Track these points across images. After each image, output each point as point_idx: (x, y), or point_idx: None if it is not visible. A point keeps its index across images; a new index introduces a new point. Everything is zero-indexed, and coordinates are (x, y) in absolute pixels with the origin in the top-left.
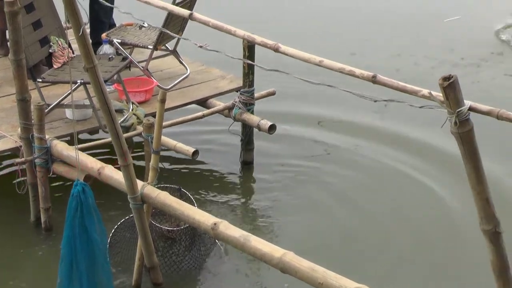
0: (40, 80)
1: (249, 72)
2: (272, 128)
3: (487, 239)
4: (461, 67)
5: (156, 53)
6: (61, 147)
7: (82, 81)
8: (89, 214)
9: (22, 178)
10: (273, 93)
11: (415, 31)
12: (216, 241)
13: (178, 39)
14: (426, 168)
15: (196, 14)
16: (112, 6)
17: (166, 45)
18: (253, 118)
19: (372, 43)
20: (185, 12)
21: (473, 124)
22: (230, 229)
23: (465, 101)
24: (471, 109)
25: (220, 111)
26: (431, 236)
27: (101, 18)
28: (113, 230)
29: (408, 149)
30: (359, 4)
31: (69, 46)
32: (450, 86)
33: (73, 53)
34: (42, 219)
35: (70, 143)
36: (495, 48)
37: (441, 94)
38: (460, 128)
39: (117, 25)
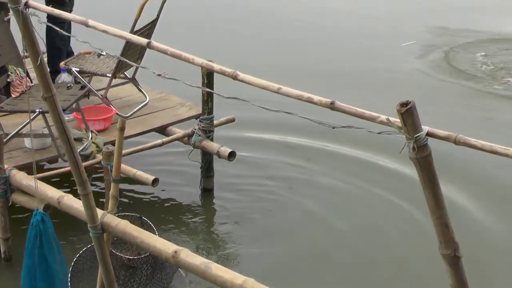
0: None
1: (208, 99)
2: (231, 155)
3: (446, 263)
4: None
5: (115, 81)
6: (20, 177)
7: (40, 110)
8: (49, 243)
9: None
10: (232, 120)
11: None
12: (179, 268)
13: (137, 67)
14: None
15: (154, 43)
16: (69, 35)
17: (125, 73)
18: (212, 145)
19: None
20: (143, 40)
21: (431, 149)
22: (190, 257)
23: (422, 126)
24: (428, 134)
25: (179, 139)
26: (406, 254)
27: (59, 46)
28: (74, 259)
29: (368, 172)
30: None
31: (27, 75)
32: (407, 112)
33: (31, 82)
34: (2, 250)
35: (30, 172)
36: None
37: (399, 120)
38: (418, 154)
39: (75, 53)
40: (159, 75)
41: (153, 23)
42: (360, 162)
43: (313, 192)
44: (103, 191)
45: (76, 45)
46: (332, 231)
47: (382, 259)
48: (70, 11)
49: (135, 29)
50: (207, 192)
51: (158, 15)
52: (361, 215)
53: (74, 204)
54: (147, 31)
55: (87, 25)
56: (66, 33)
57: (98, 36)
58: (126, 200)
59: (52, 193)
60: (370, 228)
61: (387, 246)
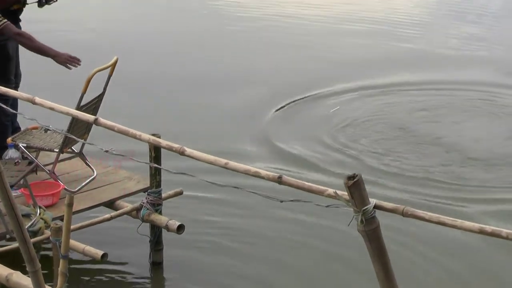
0: None
1: (156, 173)
2: (180, 228)
3: None
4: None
5: (62, 155)
6: None
7: None
8: None
9: None
10: (180, 193)
11: None
12: None
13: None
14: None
15: (101, 120)
16: (14, 112)
17: (72, 147)
18: (161, 219)
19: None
20: (90, 117)
21: (379, 221)
22: None
23: (370, 199)
24: (376, 207)
25: (128, 213)
26: None
27: (4, 122)
28: None
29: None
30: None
31: None
32: (354, 185)
33: None
34: None
35: None
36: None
37: (346, 193)
38: (366, 227)
39: (22, 129)
40: (107, 151)
41: (100, 97)
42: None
43: (264, 264)
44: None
45: (23, 121)
46: None
47: None
48: (16, 86)
49: (81, 104)
50: (156, 265)
51: (104, 89)
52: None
53: (22, 281)
54: (94, 105)
55: (33, 103)
56: (13, 111)
57: (46, 110)
58: (75, 276)
59: (0, 270)
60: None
61: None
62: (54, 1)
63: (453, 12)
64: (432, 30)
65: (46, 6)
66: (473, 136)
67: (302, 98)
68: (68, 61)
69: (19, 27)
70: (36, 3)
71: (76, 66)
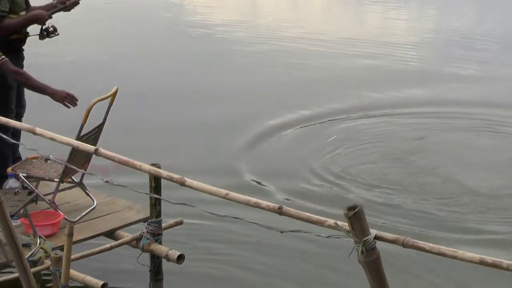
0: None
1: (156, 203)
2: (180, 258)
3: None
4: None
5: (63, 185)
6: None
7: None
8: None
9: None
10: (180, 223)
11: None
12: None
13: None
14: None
15: (102, 150)
16: (15, 142)
17: (72, 177)
18: (161, 249)
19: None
20: (90, 147)
21: (379, 252)
22: None
23: (370, 230)
24: (377, 237)
25: (128, 242)
26: None
27: (4, 151)
28: None
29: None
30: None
31: None
32: (355, 216)
33: None
34: None
35: None
36: None
37: (347, 224)
38: (367, 257)
39: (23, 158)
40: (107, 181)
41: (100, 127)
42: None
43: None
44: None
45: (24, 150)
46: None
47: None
48: (21, 116)
49: (82, 133)
50: None
51: (104, 119)
52: None
53: None
54: (94, 135)
55: (34, 133)
56: (15, 141)
57: (46, 140)
58: None
59: None
60: None
61: None
62: (56, 35)
63: (455, 38)
64: (431, 55)
65: (47, 39)
66: (472, 165)
67: (298, 123)
68: (65, 99)
69: (22, 58)
70: (38, 36)
71: (74, 106)
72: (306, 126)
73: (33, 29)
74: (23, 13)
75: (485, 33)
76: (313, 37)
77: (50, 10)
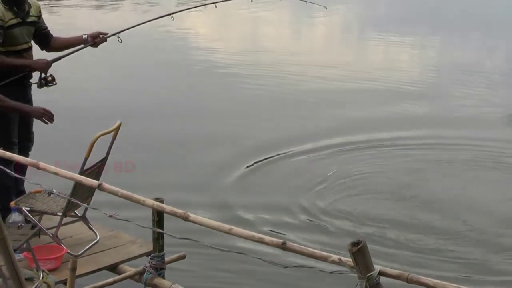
0: None
1: (158, 237)
2: None
3: None
4: None
5: (66, 219)
6: None
7: None
8: None
9: None
10: (183, 257)
11: None
12: None
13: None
14: None
15: (105, 185)
16: (18, 176)
17: (75, 211)
18: (164, 283)
19: None
20: (93, 182)
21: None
22: None
23: (374, 265)
24: (381, 273)
25: (130, 277)
26: None
27: (8, 184)
28: None
29: None
30: None
31: None
32: (359, 252)
33: None
34: None
35: None
36: None
37: (350, 259)
38: None
39: (26, 191)
40: (111, 216)
41: (103, 161)
42: None
43: None
44: None
45: (27, 184)
46: None
47: None
48: (28, 150)
49: (85, 167)
50: None
51: (107, 154)
52: None
53: None
54: (97, 169)
55: (38, 168)
56: (19, 176)
57: (49, 174)
58: None
59: None
60: None
61: None
62: (54, 84)
63: (457, 73)
64: (432, 90)
65: (45, 88)
66: (472, 199)
67: (289, 153)
68: (43, 115)
69: (27, 92)
70: (36, 84)
71: (51, 122)
72: (303, 157)
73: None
74: (23, 46)
75: (488, 69)
76: (315, 73)
77: (78, 44)
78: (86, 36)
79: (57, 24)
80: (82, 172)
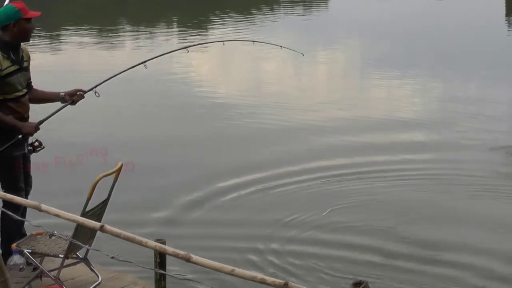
0: None
1: (161, 278)
2: None
3: None
4: None
5: (67, 261)
6: None
7: None
8: None
9: None
10: None
11: None
12: None
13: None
14: None
15: (107, 227)
16: (22, 219)
17: (77, 252)
18: None
19: None
20: (95, 224)
21: None
22: None
23: None
24: None
25: None
26: None
27: (11, 228)
28: None
29: None
30: None
31: None
32: None
33: None
34: None
35: None
36: None
37: None
38: None
39: (27, 234)
40: (113, 257)
41: (105, 203)
42: None
43: None
44: None
45: (29, 226)
46: None
47: None
48: (27, 193)
49: (87, 209)
50: None
51: (109, 195)
52: None
53: None
54: (99, 210)
55: (40, 210)
56: (21, 218)
57: (50, 217)
58: None
59: None
60: None
61: None
62: (42, 148)
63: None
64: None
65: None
66: (477, 234)
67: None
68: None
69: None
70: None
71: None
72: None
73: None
74: (20, 93)
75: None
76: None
77: (54, 100)
78: (63, 93)
79: (61, 64)
80: (84, 214)
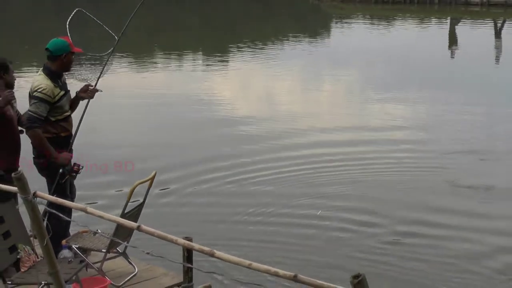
0: (10, 282)
1: (188, 270)
2: None
3: None
4: None
5: (109, 255)
6: None
7: (46, 282)
8: None
9: None
10: (209, 287)
11: None
12: None
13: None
14: None
15: (143, 227)
16: (69, 219)
17: (117, 248)
18: None
19: None
20: (133, 225)
21: None
22: None
23: None
24: None
25: None
26: None
27: (59, 232)
28: None
29: None
30: None
31: (34, 252)
32: (359, 284)
33: (37, 257)
34: None
35: None
36: None
37: None
38: None
39: (73, 233)
40: (148, 253)
41: (141, 206)
42: None
43: None
44: None
45: (76, 225)
46: None
47: None
48: (72, 199)
49: (126, 211)
50: None
51: (144, 199)
52: None
53: None
54: (136, 212)
55: (86, 212)
56: (67, 218)
57: (94, 218)
58: None
59: None
60: None
61: None
62: (82, 168)
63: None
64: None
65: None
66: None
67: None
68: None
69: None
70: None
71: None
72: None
73: None
74: (67, 113)
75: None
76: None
77: (77, 102)
78: (77, 93)
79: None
80: (123, 215)
